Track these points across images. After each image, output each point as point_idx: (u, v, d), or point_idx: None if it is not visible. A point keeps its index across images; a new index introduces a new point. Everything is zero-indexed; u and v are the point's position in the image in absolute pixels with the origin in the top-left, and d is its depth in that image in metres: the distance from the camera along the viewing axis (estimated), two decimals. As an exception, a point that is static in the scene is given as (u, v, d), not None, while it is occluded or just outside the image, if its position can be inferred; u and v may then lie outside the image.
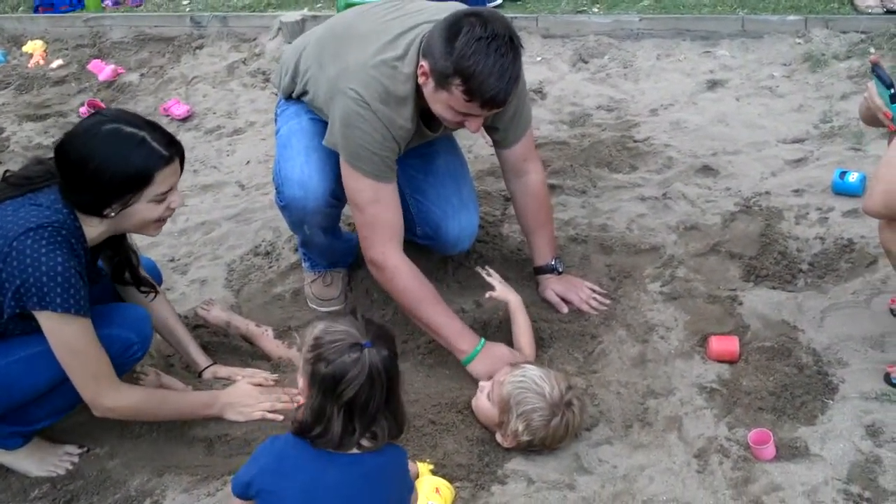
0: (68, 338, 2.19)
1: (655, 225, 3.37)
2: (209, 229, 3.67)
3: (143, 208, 2.24)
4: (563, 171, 3.77)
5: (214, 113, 4.74)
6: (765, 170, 3.64)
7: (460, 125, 2.51)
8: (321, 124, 2.70)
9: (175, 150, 2.25)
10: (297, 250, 3.30)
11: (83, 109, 4.68)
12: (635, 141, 3.99)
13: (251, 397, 2.52)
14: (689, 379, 2.62)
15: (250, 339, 2.88)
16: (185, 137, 4.49)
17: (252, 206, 3.79)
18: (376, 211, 2.59)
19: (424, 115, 2.58)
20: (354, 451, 1.82)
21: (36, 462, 2.47)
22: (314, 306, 3.14)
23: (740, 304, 2.89)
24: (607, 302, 2.95)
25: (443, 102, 2.40)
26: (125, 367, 2.41)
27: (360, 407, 1.78)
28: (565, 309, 2.93)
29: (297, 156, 2.76)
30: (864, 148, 3.64)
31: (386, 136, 2.50)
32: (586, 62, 4.84)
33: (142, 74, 5.25)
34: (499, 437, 2.42)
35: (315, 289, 3.14)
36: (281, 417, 2.49)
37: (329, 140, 2.60)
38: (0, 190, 2.27)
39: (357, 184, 2.57)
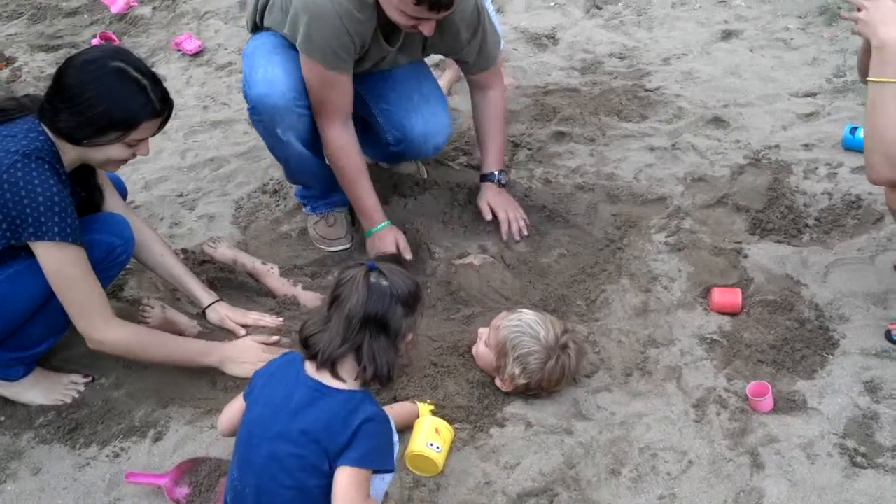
0: (64, 266, 2.20)
1: (663, 175, 3.34)
2: (218, 165, 3.65)
3: (115, 148, 2.27)
4: (573, 119, 3.73)
5: (226, 49, 4.67)
6: (775, 123, 3.59)
7: (414, 29, 2.57)
8: (284, 39, 2.77)
9: (166, 108, 2.29)
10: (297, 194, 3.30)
11: (95, 41, 4.62)
12: (646, 90, 3.94)
13: (253, 354, 2.50)
14: (690, 330, 2.63)
15: (256, 277, 2.88)
16: (196, 73, 4.45)
17: (261, 143, 3.71)
18: (326, 92, 2.72)
19: (385, 28, 2.67)
20: (334, 382, 1.84)
21: (41, 392, 2.49)
22: (321, 247, 3.14)
23: (745, 256, 2.88)
24: (525, 233, 3.06)
25: (395, 7, 2.50)
26: (112, 271, 2.43)
27: (347, 316, 1.81)
28: (488, 216, 3.05)
29: (261, 59, 2.77)
30: (878, 104, 3.59)
31: (341, 29, 2.56)
32: (600, 8, 4.75)
33: (154, 8, 5.17)
34: (498, 382, 2.44)
35: (319, 229, 3.14)
36: None
37: (288, 29, 2.68)
38: None
39: (311, 70, 2.69)
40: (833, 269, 2.79)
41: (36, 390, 2.49)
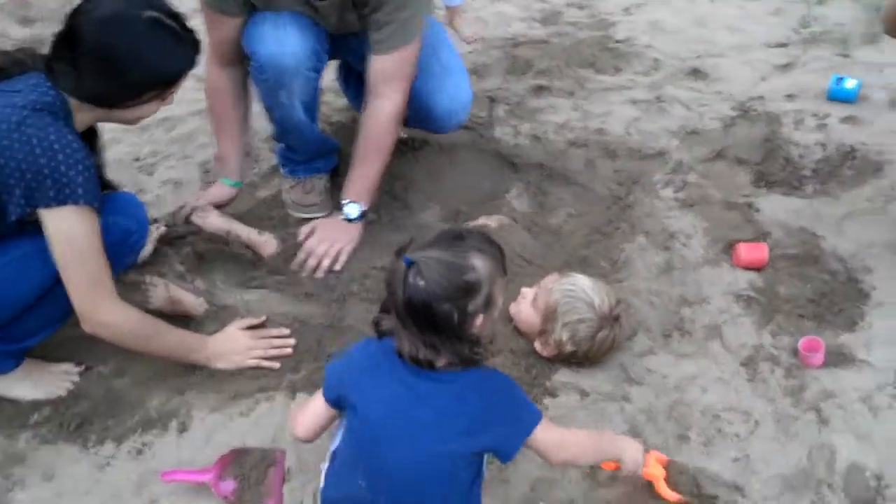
0: (80, 235, 1.89)
1: (654, 129, 3.25)
2: (172, 126, 3.30)
3: (150, 106, 2.02)
4: (549, 72, 3.59)
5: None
6: (753, 74, 3.57)
7: None
8: None
9: (199, 50, 2.05)
10: (273, 151, 3.02)
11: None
12: (616, 41, 3.84)
13: (241, 344, 2.26)
14: (721, 287, 2.55)
15: (253, 248, 2.60)
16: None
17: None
18: (209, 30, 2.54)
19: None
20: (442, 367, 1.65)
21: (32, 384, 2.18)
22: (294, 213, 2.86)
23: (757, 210, 2.83)
24: (321, 276, 2.54)
25: None
26: (125, 257, 2.16)
27: (401, 317, 1.61)
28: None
29: (269, 15, 2.48)
30: (852, 54, 3.63)
31: None
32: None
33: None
34: (538, 346, 2.29)
35: (295, 195, 2.86)
36: (277, 365, 2.26)
37: None
38: None
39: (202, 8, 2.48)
40: (847, 220, 2.77)
41: (26, 383, 2.17)
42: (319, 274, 2.52)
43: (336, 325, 2.38)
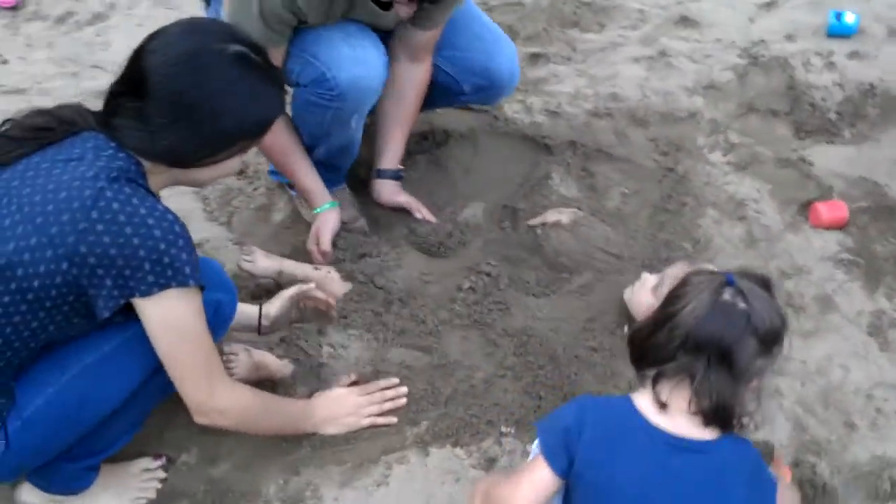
0: (188, 320, 1.53)
1: (670, 87, 3.07)
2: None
3: (233, 161, 1.63)
4: (537, 37, 3.32)
5: (52, -7, 3.64)
6: (740, 16, 3.44)
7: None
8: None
9: (285, 88, 1.68)
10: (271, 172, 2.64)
11: None
12: (591, -5, 3.61)
13: (350, 403, 1.94)
14: (814, 253, 2.42)
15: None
16: (30, 30, 3.41)
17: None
18: None
19: None
20: (693, 434, 1.40)
21: (114, 495, 1.79)
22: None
23: (810, 164, 2.72)
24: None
25: None
26: (219, 332, 1.76)
27: (678, 327, 1.37)
28: (424, 212, 2.48)
29: (336, 32, 2.13)
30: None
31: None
32: None
33: None
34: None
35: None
36: (394, 420, 1.96)
37: None
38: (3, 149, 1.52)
39: None
40: (901, 162, 2.71)
41: (107, 494, 1.78)
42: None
43: (443, 362, 2.07)
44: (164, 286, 1.45)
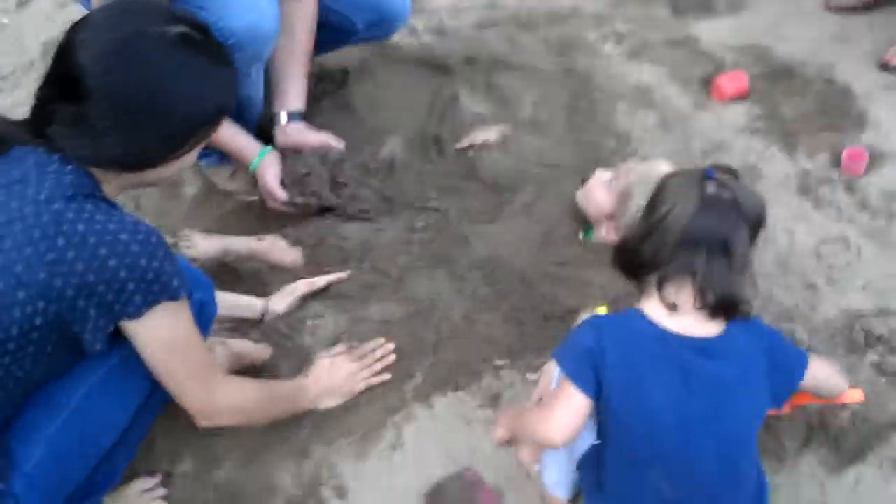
0: (180, 332, 1.39)
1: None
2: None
3: (192, 154, 1.43)
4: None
5: None
6: None
7: None
8: None
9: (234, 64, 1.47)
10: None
11: None
12: None
13: (343, 371, 1.84)
14: (728, 126, 2.48)
15: (262, 258, 2.07)
16: None
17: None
18: None
19: None
20: (707, 331, 1.41)
21: None
22: (245, 197, 2.33)
23: (697, 40, 2.77)
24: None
25: None
26: (204, 333, 1.59)
27: (671, 230, 1.39)
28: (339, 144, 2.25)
29: None
30: None
31: None
32: None
33: None
34: (602, 231, 2.09)
35: (239, 182, 2.33)
36: (388, 376, 1.88)
37: None
38: None
39: None
40: (781, 26, 2.81)
41: None
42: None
43: (419, 309, 1.99)
44: (152, 303, 1.30)
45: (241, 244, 2.06)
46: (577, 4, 2.94)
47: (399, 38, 2.78)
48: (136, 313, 1.29)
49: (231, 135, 2.12)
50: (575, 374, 1.42)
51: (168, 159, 1.36)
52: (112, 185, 1.37)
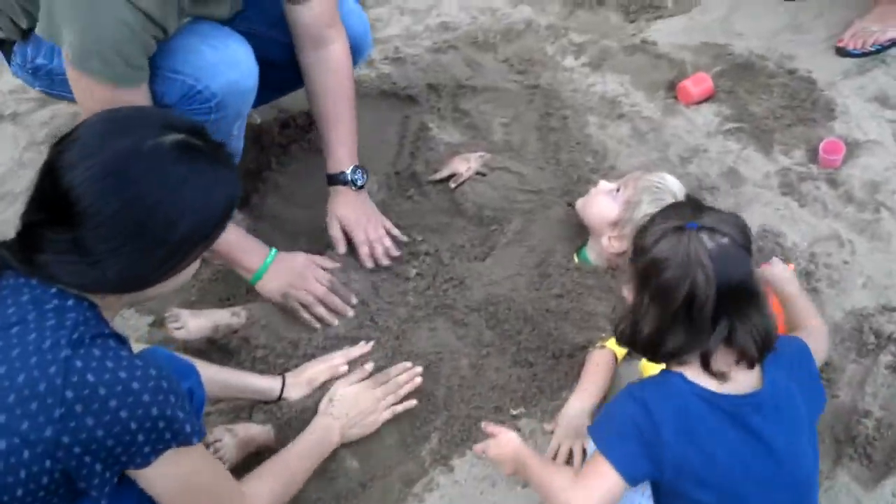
0: (193, 475, 1.30)
1: (492, 2, 2.98)
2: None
3: (196, 264, 1.35)
4: None
5: None
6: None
7: None
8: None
9: (234, 163, 1.44)
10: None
11: None
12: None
13: (366, 399, 1.79)
14: (700, 130, 2.46)
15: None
16: None
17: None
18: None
19: None
20: (752, 383, 1.38)
21: None
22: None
23: (654, 44, 2.76)
24: (395, 253, 2.11)
25: None
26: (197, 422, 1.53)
27: (700, 307, 1.30)
28: (341, 247, 2.08)
29: (195, 38, 1.80)
30: None
31: (125, 17, 1.60)
32: None
33: None
34: (604, 242, 2.04)
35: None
36: (414, 402, 1.83)
37: (45, 28, 1.65)
38: None
39: (89, 92, 1.67)
40: (732, 20, 2.83)
41: None
42: (385, 261, 2.09)
43: (424, 363, 1.91)
44: (162, 451, 1.21)
45: (234, 318, 1.95)
46: (529, 18, 2.89)
47: (356, 70, 2.69)
48: (145, 462, 1.20)
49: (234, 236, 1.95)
50: (615, 452, 1.35)
51: (172, 274, 1.27)
52: (112, 308, 1.29)
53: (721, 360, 1.34)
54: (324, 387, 1.84)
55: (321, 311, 1.96)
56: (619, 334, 1.44)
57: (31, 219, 1.20)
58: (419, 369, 1.87)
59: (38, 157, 2.50)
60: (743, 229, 1.37)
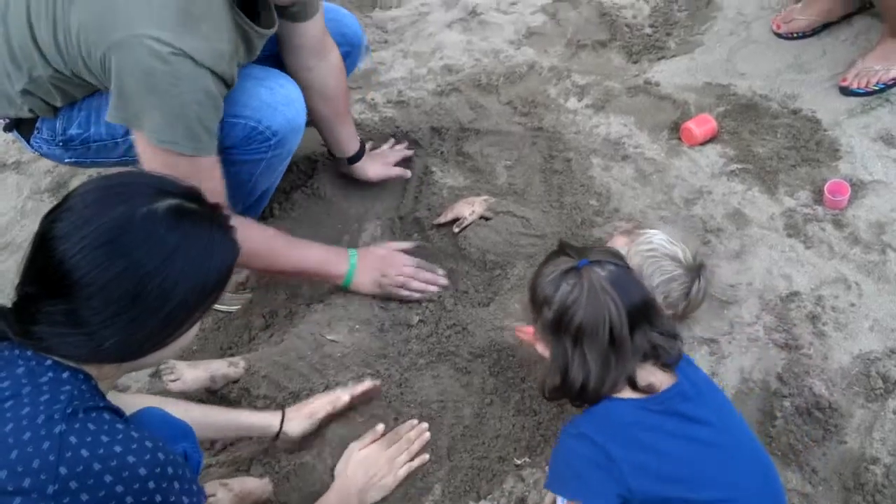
0: None
1: (496, 45, 2.99)
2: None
3: (196, 327, 1.32)
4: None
5: None
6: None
7: None
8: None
9: (230, 225, 1.36)
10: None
11: None
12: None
13: (381, 460, 1.78)
14: (704, 171, 2.45)
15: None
16: None
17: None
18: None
19: (246, 7, 1.81)
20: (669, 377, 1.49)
21: None
22: (222, 307, 2.24)
23: (657, 85, 2.75)
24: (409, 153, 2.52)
25: None
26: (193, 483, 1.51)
27: (613, 338, 1.43)
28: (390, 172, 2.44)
29: (251, 81, 1.91)
30: None
31: (208, 88, 1.65)
32: None
33: None
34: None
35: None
36: (427, 457, 1.83)
37: (120, 115, 1.66)
38: None
39: (171, 165, 1.63)
40: (734, 60, 2.81)
41: None
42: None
43: (426, 412, 1.91)
44: None
45: (231, 369, 1.94)
46: (532, 60, 2.90)
47: (359, 114, 2.72)
48: None
49: (304, 252, 2.05)
50: (583, 491, 1.40)
51: (170, 341, 1.26)
52: (111, 376, 1.28)
53: (642, 373, 1.45)
54: (322, 425, 1.83)
55: (418, 284, 2.10)
56: (550, 391, 1.53)
57: (26, 290, 1.19)
58: (425, 424, 1.87)
59: (41, 205, 2.53)
60: (618, 254, 1.54)
